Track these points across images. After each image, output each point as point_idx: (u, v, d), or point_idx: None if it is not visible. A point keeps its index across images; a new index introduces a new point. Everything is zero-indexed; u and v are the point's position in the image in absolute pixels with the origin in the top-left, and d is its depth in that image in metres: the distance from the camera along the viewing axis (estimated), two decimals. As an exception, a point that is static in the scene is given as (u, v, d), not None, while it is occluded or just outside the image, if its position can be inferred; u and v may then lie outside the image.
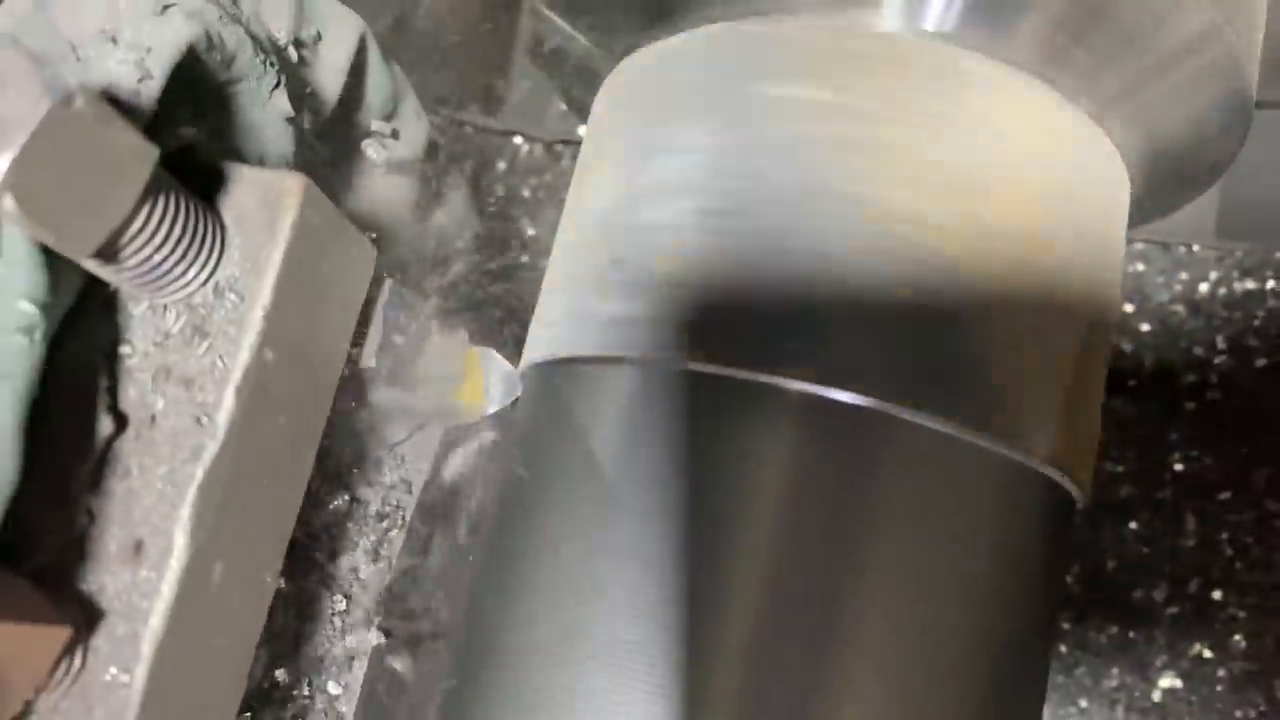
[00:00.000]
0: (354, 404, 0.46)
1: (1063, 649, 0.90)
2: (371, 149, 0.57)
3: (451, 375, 0.46)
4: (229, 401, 0.34)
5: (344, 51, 0.51)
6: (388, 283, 0.45)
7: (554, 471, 0.39)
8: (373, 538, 0.52)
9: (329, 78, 0.50)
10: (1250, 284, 1.02)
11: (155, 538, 0.34)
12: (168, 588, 0.33)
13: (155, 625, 0.33)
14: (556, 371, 0.40)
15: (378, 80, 0.55)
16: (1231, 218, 1.04)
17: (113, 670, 0.33)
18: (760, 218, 0.36)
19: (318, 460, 0.48)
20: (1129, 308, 1.02)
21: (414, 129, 0.59)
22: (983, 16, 0.36)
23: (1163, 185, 0.45)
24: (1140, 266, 1.03)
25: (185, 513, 0.33)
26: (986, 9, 0.36)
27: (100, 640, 0.33)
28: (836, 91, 0.36)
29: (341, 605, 0.50)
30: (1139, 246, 1.02)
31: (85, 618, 0.32)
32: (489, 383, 0.46)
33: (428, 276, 0.55)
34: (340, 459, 0.49)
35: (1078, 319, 0.39)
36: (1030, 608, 0.38)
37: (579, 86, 0.51)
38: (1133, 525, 0.94)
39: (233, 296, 0.35)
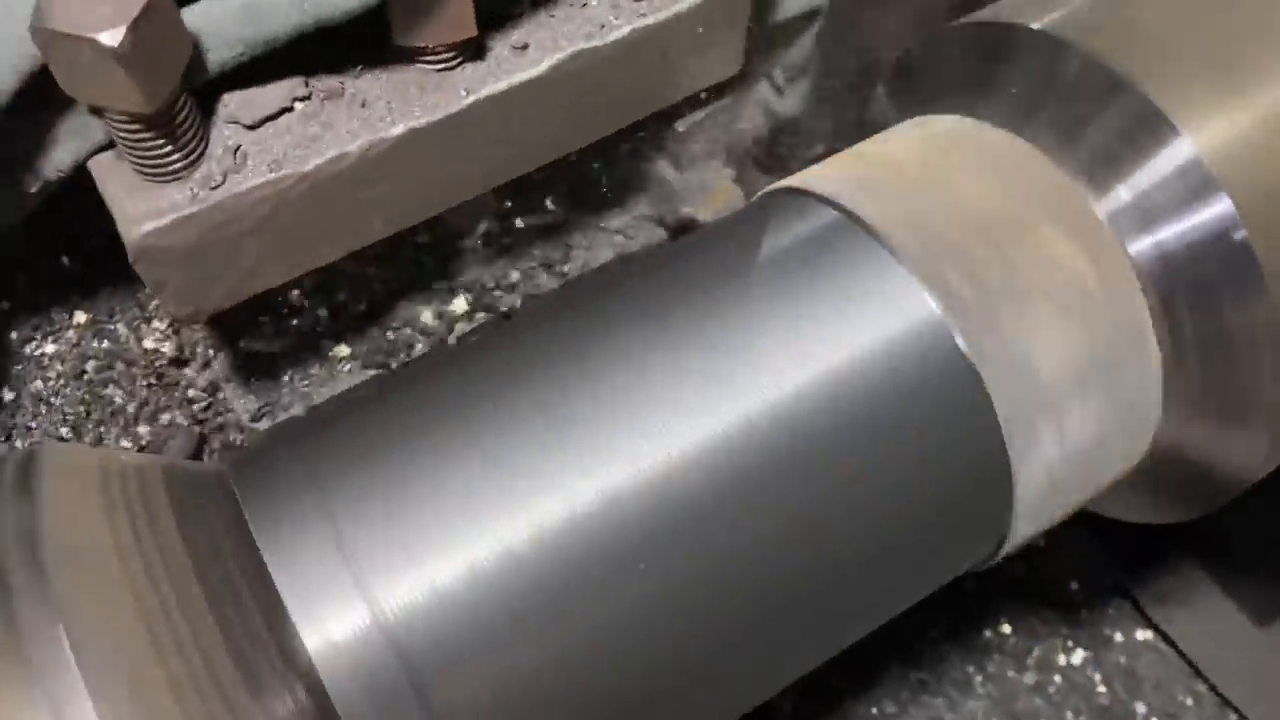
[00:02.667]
0: (654, 146, 0.65)
1: None
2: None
3: (706, 184, 0.65)
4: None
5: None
6: (727, 102, 0.64)
7: (705, 237, 0.56)
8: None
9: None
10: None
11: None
12: None
13: None
14: (772, 198, 0.57)
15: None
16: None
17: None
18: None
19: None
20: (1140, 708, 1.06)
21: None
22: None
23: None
24: (1189, 701, 1.07)
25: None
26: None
27: None
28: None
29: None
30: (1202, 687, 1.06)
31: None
32: (725, 200, 0.64)
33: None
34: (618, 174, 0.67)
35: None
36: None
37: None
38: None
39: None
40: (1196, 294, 0.49)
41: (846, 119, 0.78)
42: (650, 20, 0.54)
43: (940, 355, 0.49)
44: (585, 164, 0.66)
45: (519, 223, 0.66)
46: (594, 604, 0.44)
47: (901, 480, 0.48)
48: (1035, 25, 0.52)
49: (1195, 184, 0.47)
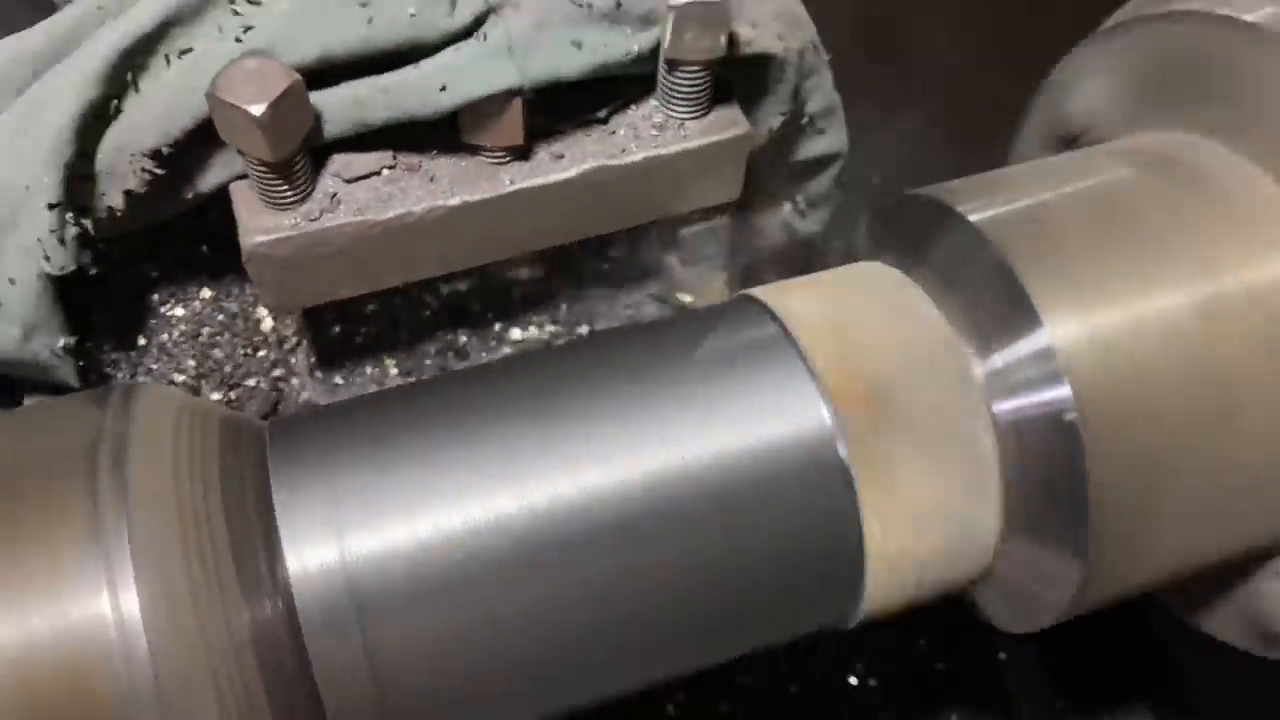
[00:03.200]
0: (664, 244, 0.79)
1: None
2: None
3: (703, 279, 0.78)
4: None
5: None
6: (726, 219, 0.78)
7: (670, 322, 0.69)
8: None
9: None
10: None
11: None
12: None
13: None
14: (737, 301, 0.70)
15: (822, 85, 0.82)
16: None
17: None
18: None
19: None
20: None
21: (836, 137, 0.86)
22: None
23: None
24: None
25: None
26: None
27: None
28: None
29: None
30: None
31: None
32: (715, 295, 0.77)
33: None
34: (635, 261, 0.83)
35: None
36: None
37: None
38: None
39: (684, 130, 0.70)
40: (1036, 455, 0.59)
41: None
42: (662, 151, 0.69)
43: (824, 457, 0.61)
44: (613, 248, 0.80)
45: (552, 285, 0.81)
46: (503, 591, 0.58)
47: (765, 544, 0.60)
48: (960, 209, 0.64)
49: (1047, 368, 0.58)
